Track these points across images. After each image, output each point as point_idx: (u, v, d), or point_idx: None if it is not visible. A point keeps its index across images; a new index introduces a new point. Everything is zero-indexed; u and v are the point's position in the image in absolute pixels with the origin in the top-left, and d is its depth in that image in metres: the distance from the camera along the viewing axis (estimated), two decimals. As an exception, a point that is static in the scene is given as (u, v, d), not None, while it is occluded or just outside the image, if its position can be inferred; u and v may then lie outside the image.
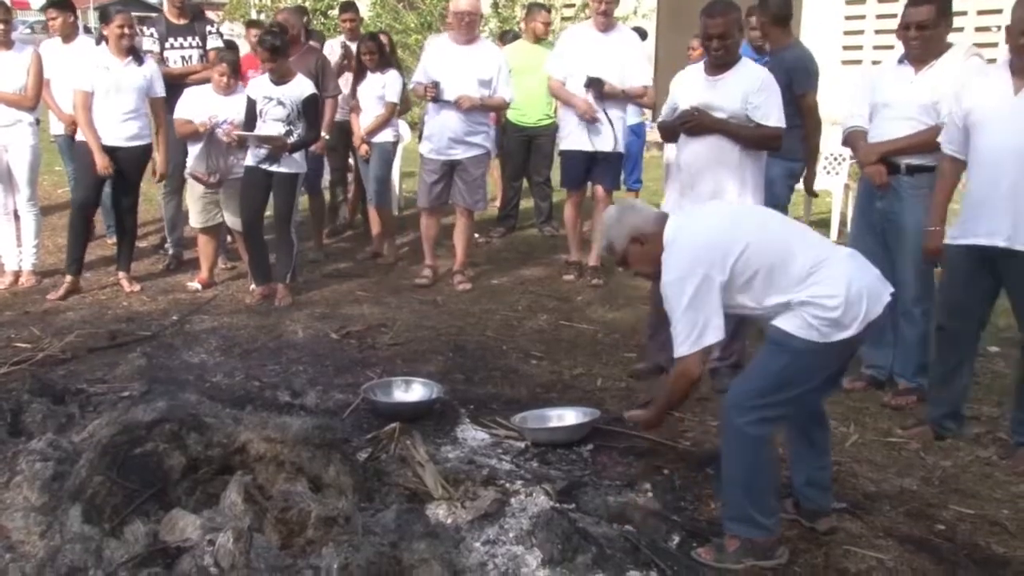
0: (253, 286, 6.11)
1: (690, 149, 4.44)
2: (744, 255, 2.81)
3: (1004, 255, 3.59)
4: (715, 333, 2.84)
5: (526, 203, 8.39)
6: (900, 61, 4.26)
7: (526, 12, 8.21)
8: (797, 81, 5.05)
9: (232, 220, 6.18)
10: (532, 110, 7.51)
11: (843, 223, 7.20)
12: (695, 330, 2.82)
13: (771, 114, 4.30)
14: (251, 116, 5.81)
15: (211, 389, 4.40)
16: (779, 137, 4.40)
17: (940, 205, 3.89)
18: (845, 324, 2.78)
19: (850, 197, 6.59)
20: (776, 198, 5.29)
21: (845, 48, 11.52)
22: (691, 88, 4.46)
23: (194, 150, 6.02)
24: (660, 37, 12.92)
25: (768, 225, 3.01)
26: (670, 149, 6.13)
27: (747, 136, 4.30)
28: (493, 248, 7.64)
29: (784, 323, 2.83)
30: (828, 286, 2.79)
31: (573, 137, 6.21)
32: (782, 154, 5.12)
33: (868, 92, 4.38)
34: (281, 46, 5.73)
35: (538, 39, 7.59)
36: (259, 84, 5.85)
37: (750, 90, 4.28)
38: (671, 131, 4.55)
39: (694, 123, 4.36)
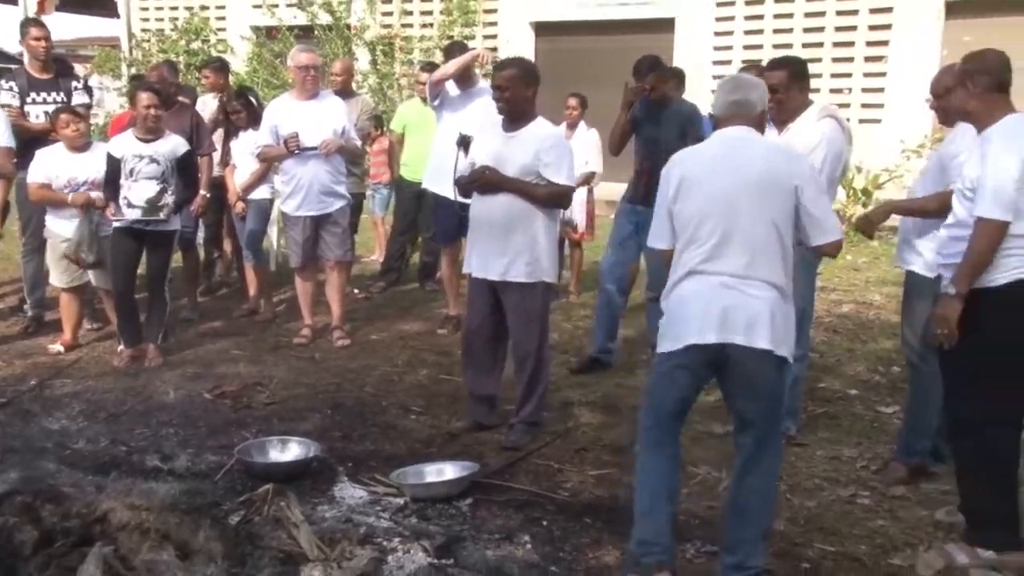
0: (121, 347, 5.89)
1: (483, 205, 4.51)
2: None
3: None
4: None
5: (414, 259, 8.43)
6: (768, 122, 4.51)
7: (419, 70, 8.28)
8: (695, 126, 5.42)
9: (99, 279, 5.98)
10: (424, 166, 7.55)
11: None
12: None
13: (561, 171, 4.38)
14: (114, 175, 5.63)
15: (72, 457, 4.21)
16: (568, 195, 4.50)
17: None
18: (668, 337, 3.10)
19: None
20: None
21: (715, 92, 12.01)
22: (489, 142, 4.53)
23: (58, 213, 5.81)
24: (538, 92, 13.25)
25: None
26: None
27: (536, 194, 4.38)
28: (373, 303, 7.60)
29: None
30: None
31: (443, 183, 5.98)
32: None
33: None
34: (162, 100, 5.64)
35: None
36: (125, 142, 5.68)
37: (542, 147, 4.36)
38: (465, 187, 4.62)
39: (484, 181, 4.43)
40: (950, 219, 3.42)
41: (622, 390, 5.35)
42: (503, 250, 4.42)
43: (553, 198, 4.44)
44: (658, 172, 5.29)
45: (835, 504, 3.91)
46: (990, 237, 3.19)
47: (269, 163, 6.55)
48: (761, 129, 3.31)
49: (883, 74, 11.44)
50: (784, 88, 4.26)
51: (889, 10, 11.34)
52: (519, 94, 4.42)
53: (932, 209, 3.83)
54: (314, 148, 6.04)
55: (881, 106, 11.40)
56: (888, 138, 10.88)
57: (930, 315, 3.44)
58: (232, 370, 5.70)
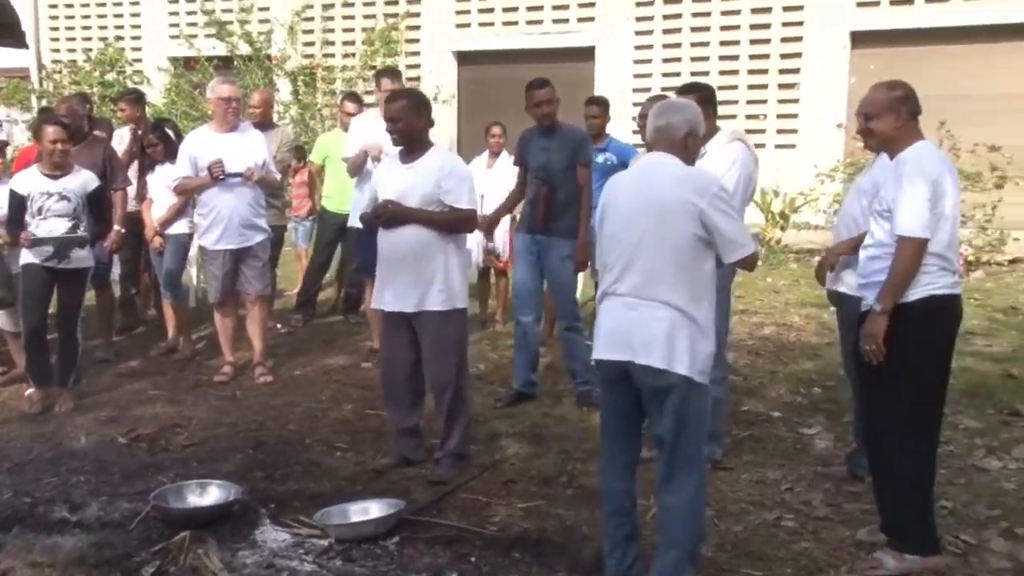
0: (29, 391, 5.66)
1: (390, 239, 4.49)
2: None
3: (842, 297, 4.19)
4: None
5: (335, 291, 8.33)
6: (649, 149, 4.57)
7: (341, 100, 8.25)
8: (582, 152, 5.47)
9: (5, 321, 5.75)
10: (347, 198, 7.46)
11: None
12: None
13: (462, 196, 4.41)
14: (18, 212, 5.44)
15: (-30, 511, 4.00)
16: (472, 219, 4.52)
17: None
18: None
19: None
20: (560, 278, 5.55)
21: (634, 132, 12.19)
22: (389, 176, 4.51)
23: None
24: (461, 121, 13.32)
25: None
26: None
27: (440, 221, 4.39)
28: (296, 337, 7.47)
29: None
30: None
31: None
32: (562, 233, 5.41)
33: None
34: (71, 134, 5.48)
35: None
36: (30, 178, 5.49)
37: (441, 175, 4.38)
38: (371, 223, 4.60)
39: (388, 215, 4.42)
40: (868, 240, 3.58)
41: (549, 420, 5.34)
42: (416, 281, 4.40)
43: (458, 223, 4.46)
44: (556, 197, 5.34)
45: (761, 528, 3.93)
46: (912, 254, 3.35)
47: (187, 197, 6.39)
48: (689, 152, 3.36)
49: (796, 100, 11.75)
50: None
51: (799, 39, 11.67)
52: (412, 124, 4.42)
53: None
54: (239, 174, 5.94)
55: (795, 131, 11.71)
56: (802, 163, 11.17)
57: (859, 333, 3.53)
58: (149, 411, 5.53)
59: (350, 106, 7.70)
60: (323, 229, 7.82)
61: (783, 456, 4.73)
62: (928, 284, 3.40)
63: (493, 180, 7.29)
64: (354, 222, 6.28)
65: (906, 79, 3.66)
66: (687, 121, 3.33)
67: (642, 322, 3.16)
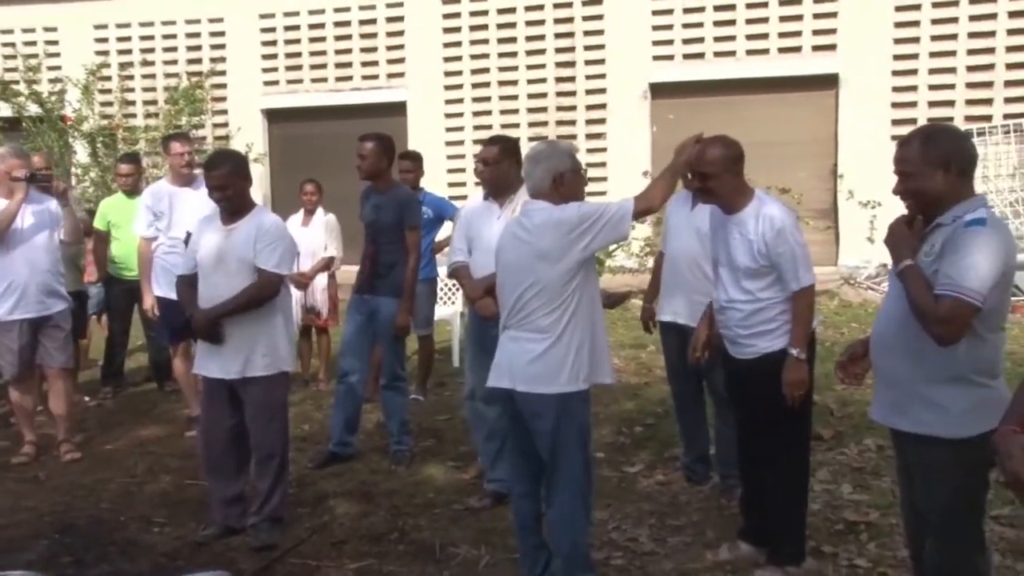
0: None
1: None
2: None
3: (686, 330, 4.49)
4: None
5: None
6: (485, 198, 4.76)
7: (115, 163, 8.04)
8: (410, 215, 5.45)
9: None
10: (134, 263, 7.15)
11: (462, 349, 7.41)
12: None
13: (271, 258, 4.32)
14: None
15: None
16: (274, 283, 4.37)
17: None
18: None
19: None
20: (383, 338, 5.52)
21: (450, 171, 12.42)
22: (209, 237, 4.43)
23: None
24: (273, 179, 13.13)
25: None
26: None
27: (246, 302, 4.30)
28: (106, 409, 7.08)
29: None
30: None
31: (170, 287, 5.61)
32: (387, 292, 5.42)
33: (465, 228, 4.77)
34: None
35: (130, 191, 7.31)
36: None
37: (259, 236, 4.33)
38: (181, 335, 4.59)
39: (198, 328, 4.37)
40: (739, 296, 3.77)
41: (378, 476, 5.29)
42: (239, 346, 4.32)
43: (262, 291, 4.32)
44: (380, 258, 5.39)
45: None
46: (811, 299, 3.74)
47: None
48: (563, 193, 3.60)
49: (604, 149, 12.26)
50: (495, 162, 4.62)
51: (603, 91, 12.23)
52: (239, 189, 4.39)
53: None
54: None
55: (605, 179, 12.17)
56: (613, 209, 11.58)
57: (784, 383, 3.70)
58: (-64, 502, 5.08)
59: (124, 167, 7.45)
60: (114, 295, 7.46)
61: (608, 496, 4.81)
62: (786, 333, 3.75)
63: (308, 238, 7.25)
64: (157, 292, 6.10)
65: (705, 128, 3.95)
66: (548, 169, 3.59)
67: (520, 352, 3.56)
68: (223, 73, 13.28)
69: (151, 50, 13.51)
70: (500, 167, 4.60)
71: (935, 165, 2.80)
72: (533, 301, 3.52)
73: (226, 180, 4.32)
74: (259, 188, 10.57)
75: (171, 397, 7.26)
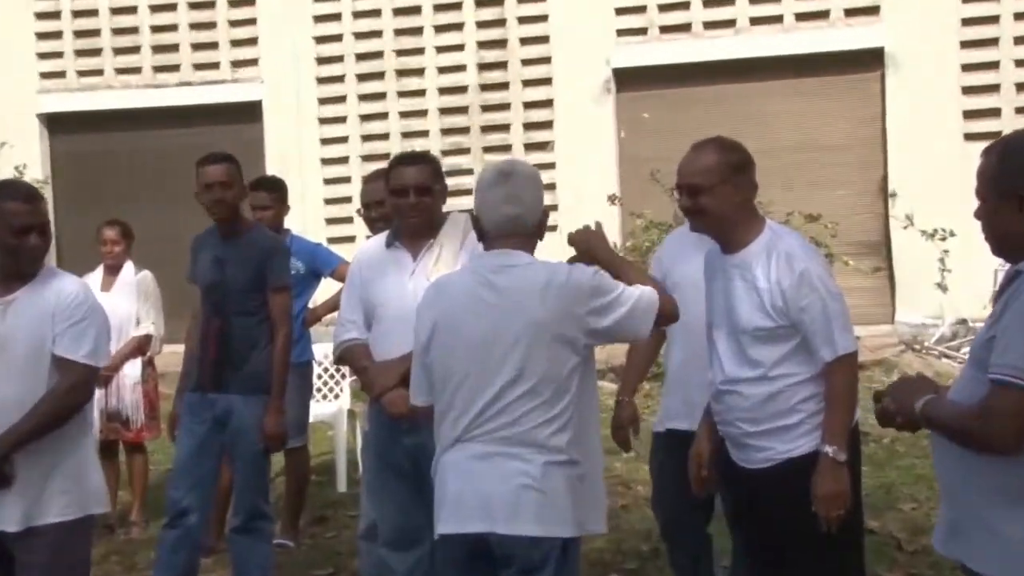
0: None
1: None
2: None
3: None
4: None
5: None
6: (388, 245, 4.70)
7: None
8: (274, 270, 5.39)
9: None
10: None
11: (354, 466, 7.37)
12: None
13: (80, 343, 4.16)
14: None
15: None
16: (89, 382, 4.25)
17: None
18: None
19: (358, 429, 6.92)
20: (245, 455, 5.45)
21: (328, 202, 12.32)
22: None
23: None
24: (58, 216, 12.66)
25: None
26: None
27: (44, 423, 4.12)
28: None
29: None
30: None
31: None
32: (246, 389, 5.40)
33: (357, 287, 4.69)
34: None
35: None
36: None
37: (56, 311, 4.14)
38: None
39: None
40: (744, 373, 3.76)
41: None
42: (24, 485, 4.05)
43: (72, 395, 4.15)
44: (231, 336, 5.39)
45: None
46: (854, 373, 3.74)
47: None
48: (537, 240, 3.70)
49: (550, 165, 12.28)
50: (425, 191, 4.60)
51: (547, 81, 12.38)
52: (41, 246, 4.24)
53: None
54: None
55: (555, 207, 12.06)
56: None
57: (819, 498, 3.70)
58: None
59: None
60: None
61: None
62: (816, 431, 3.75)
63: (111, 307, 6.73)
64: None
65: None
66: (539, 200, 3.66)
67: (499, 476, 3.49)
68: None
69: None
70: (435, 197, 4.64)
71: (1010, 193, 2.80)
72: (523, 401, 3.45)
73: (36, 219, 4.13)
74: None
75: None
